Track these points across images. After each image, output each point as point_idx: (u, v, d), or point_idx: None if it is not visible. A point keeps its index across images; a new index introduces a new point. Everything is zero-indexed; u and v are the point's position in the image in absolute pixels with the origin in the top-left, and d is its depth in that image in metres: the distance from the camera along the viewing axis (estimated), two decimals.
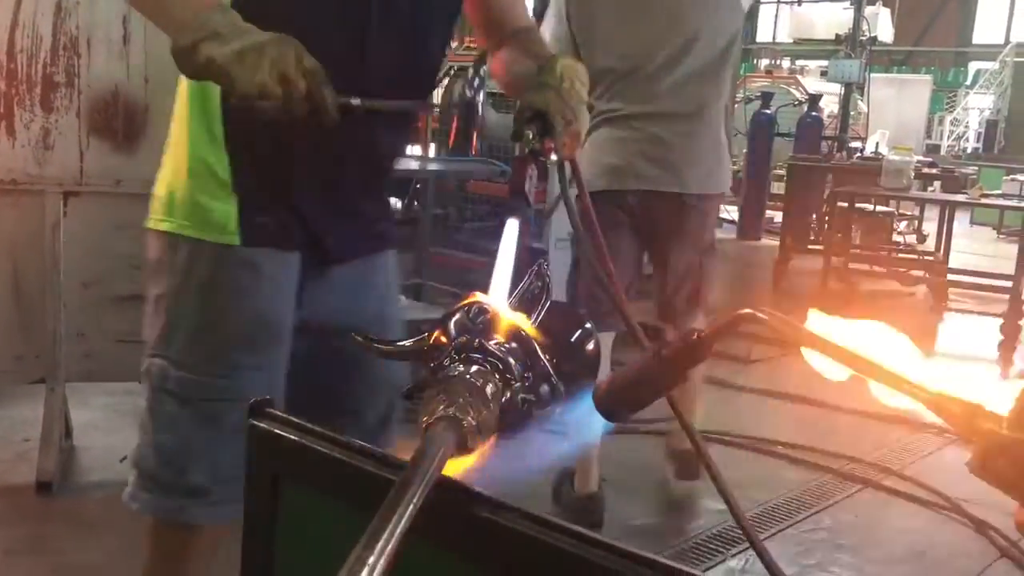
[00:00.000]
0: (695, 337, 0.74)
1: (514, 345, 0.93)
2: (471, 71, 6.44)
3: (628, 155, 2.81)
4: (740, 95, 9.49)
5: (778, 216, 9.42)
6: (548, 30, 2.86)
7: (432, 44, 1.41)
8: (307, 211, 1.34)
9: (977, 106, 19.56)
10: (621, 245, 2.83)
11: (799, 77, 14.43)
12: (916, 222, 10.72)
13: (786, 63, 16.33)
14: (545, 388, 0.92)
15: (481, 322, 0.94)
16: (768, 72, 14.94)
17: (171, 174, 1.34)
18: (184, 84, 1.34)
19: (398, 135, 1.48)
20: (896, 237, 9.58)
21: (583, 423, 0.86)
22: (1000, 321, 5.92)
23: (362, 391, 1.43)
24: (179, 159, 1.33)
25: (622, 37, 2.81)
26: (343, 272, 1.41)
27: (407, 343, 1.05)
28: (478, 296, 0.98)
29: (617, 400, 0.83)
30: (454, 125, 6.04)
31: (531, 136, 1.14)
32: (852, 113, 10.06)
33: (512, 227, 1.04)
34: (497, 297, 0.98)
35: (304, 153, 1.30)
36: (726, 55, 2.91)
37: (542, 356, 0.93)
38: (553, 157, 1.16)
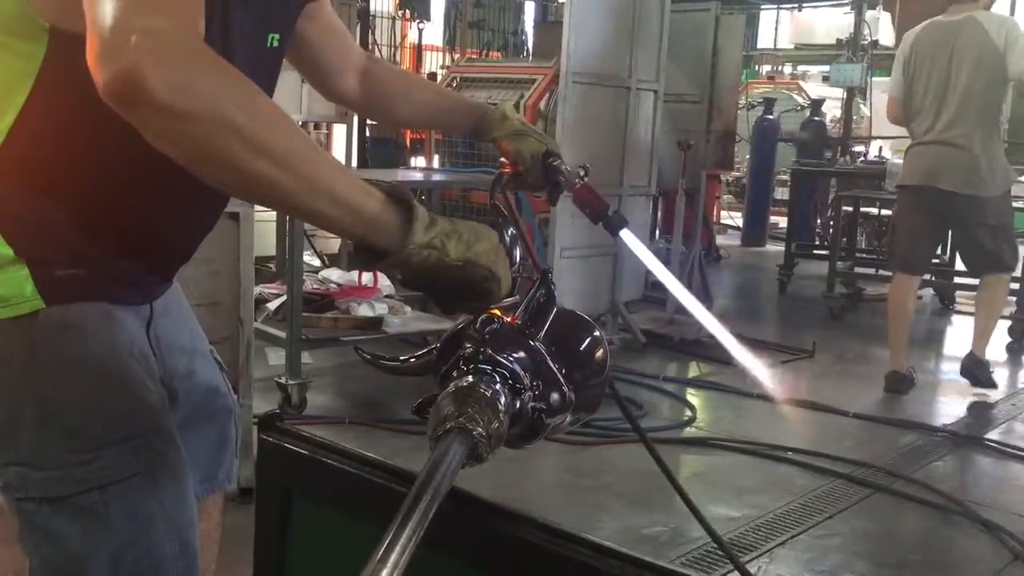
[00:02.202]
0: None
1: (523, 354, 0.93)
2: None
3: None
4: (743, 101, 9.48)
5: (783, 221, 9.40)
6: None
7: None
8: (137, 271, 1.18)
9: None
10: None
11: (801, 82, 14.41)
12: None
13: (788, 68, 16.28)
14: (555, 396, 0.92)
15: (489, 333, 0.94)
16: (770, 78, 14.93)
17: None
18: None
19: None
20: None
21: None
22: (1008, 323, 5.90)
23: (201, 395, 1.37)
24: None
25: None
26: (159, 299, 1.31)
27: (415, 357, 1.05)
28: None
29: None
30: None
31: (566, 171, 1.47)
32: (855, 117, 10.04)
33: (630, 236, 1.41)
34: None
35: (136, 219, 1.14)
36: None
37: (551, 364, 0.93)
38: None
